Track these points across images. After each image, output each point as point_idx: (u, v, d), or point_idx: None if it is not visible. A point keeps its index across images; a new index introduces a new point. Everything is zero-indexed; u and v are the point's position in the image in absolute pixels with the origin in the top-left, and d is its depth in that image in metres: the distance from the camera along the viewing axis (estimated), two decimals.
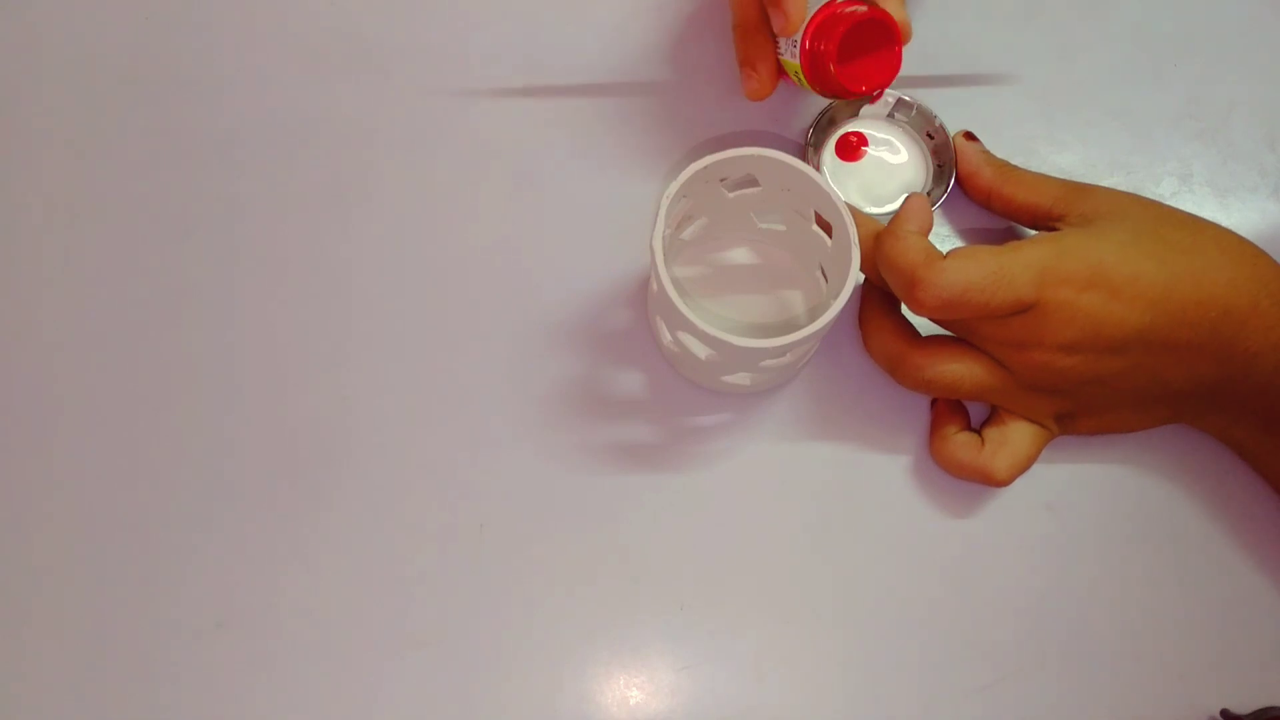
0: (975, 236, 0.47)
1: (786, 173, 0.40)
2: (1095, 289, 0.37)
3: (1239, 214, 0.48)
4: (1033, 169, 0.48)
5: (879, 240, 0.40)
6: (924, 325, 0.42)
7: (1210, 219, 0.41)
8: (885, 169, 0.47)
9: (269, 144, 0.48)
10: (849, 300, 0.38)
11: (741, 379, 0.43)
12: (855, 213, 0.40)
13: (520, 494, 0.43)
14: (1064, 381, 0.39)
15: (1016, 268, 0.37)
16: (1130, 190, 0.47)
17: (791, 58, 0.42)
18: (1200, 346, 0.38)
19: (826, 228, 0.41)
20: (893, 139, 0.48)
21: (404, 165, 0.48)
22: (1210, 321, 0.38)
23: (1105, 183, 0.48)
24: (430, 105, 0.49)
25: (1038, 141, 0.48)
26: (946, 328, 0.42)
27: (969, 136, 0.46)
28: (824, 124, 0.47)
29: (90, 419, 0.44)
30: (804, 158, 0.46)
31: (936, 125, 0.47)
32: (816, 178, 0.40)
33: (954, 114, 0.47)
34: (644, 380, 0.45)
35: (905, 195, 0.45)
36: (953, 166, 0.46)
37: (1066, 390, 0.40)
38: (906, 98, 0.47)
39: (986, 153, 0.45)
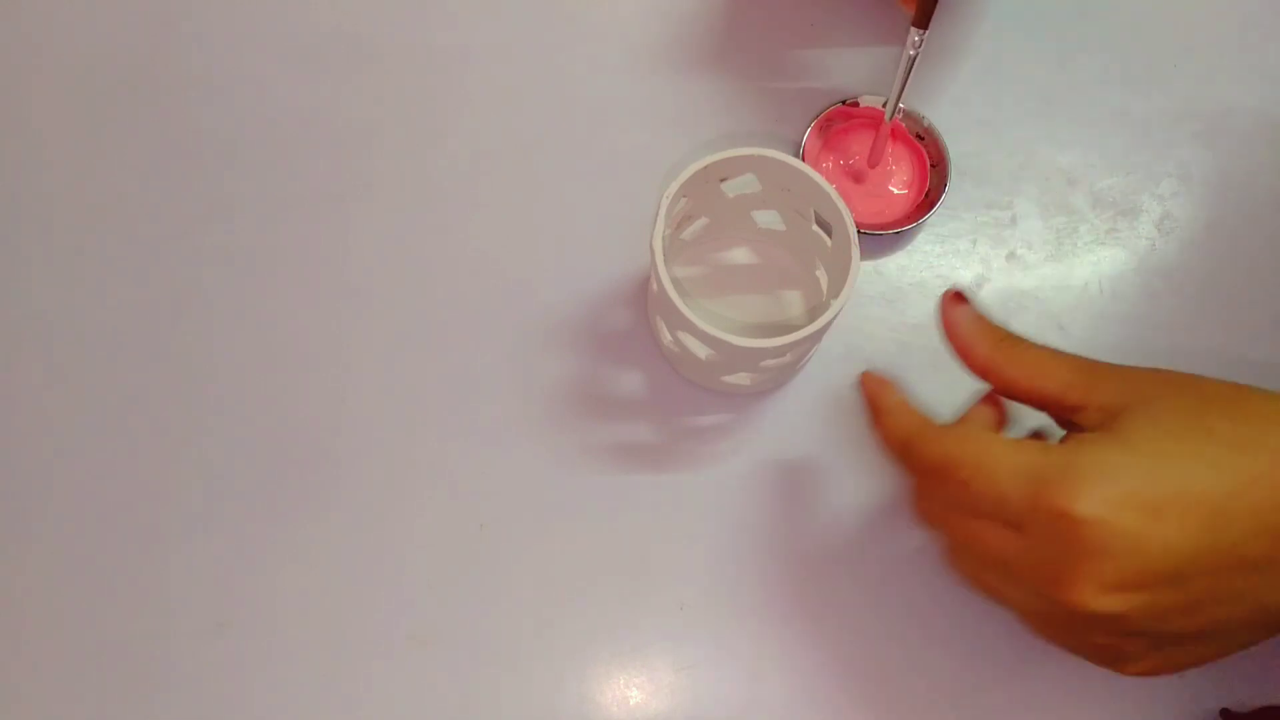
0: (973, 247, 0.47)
1: (786, 173, 0.40)
2: (1128, 509, 0.30)
3: (1239, 215, 0.48)
4: (1032, 169, 0.48)
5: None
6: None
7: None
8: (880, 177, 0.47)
9: (268, 144, 0.48)
10: (848, 299, 0.38)
11: (741, 379, 0.43)
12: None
13: (520, 494, 0.43)
14: (1116, 628, 0.31)
15: (1001, 461, 0.32)
16: (1131, 191, 0.48)
17: None
18: None
19: (826, 228, 0.41)
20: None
21: (403, 166, 0.48)
22: None
23: (1104, 183, 0.48)
24: (429, 105, 0.49)
25: (1038, 142, 0.48)
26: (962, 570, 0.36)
27: (958, 298, 0.37)
28: (823, 124, 0.47)
29: (89, 419, 0.44)
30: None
31: (925, 126, 0.47)
32: (816, 177, 0.40)
33: (955, 116, 0.47)
34: (644, 380, 0.45)
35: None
36: (947, 167, 0.46)
37: (1125, 635, 0.32)
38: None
39: (981, 319, 0.37)
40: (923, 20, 0.41)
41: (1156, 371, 0.34)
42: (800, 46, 0.49)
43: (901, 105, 0.47)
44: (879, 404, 0.38)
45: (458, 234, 0.47)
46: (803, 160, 0.45)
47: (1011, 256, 0.47)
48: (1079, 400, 0.34)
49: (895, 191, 0.47)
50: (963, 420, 0.37)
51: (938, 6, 0.41)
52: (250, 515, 0.43)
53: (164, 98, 0.49)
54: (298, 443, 0.44)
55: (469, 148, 0.48)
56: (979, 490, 0.32)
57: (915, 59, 0.42)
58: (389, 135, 0.48)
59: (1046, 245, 0.47)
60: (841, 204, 0.39)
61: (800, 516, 0.43)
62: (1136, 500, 0.30)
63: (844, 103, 0.47)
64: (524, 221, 0.47)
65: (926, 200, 0.46)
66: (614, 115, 0.49)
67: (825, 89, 0.48)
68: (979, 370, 0.36)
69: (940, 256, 0.47)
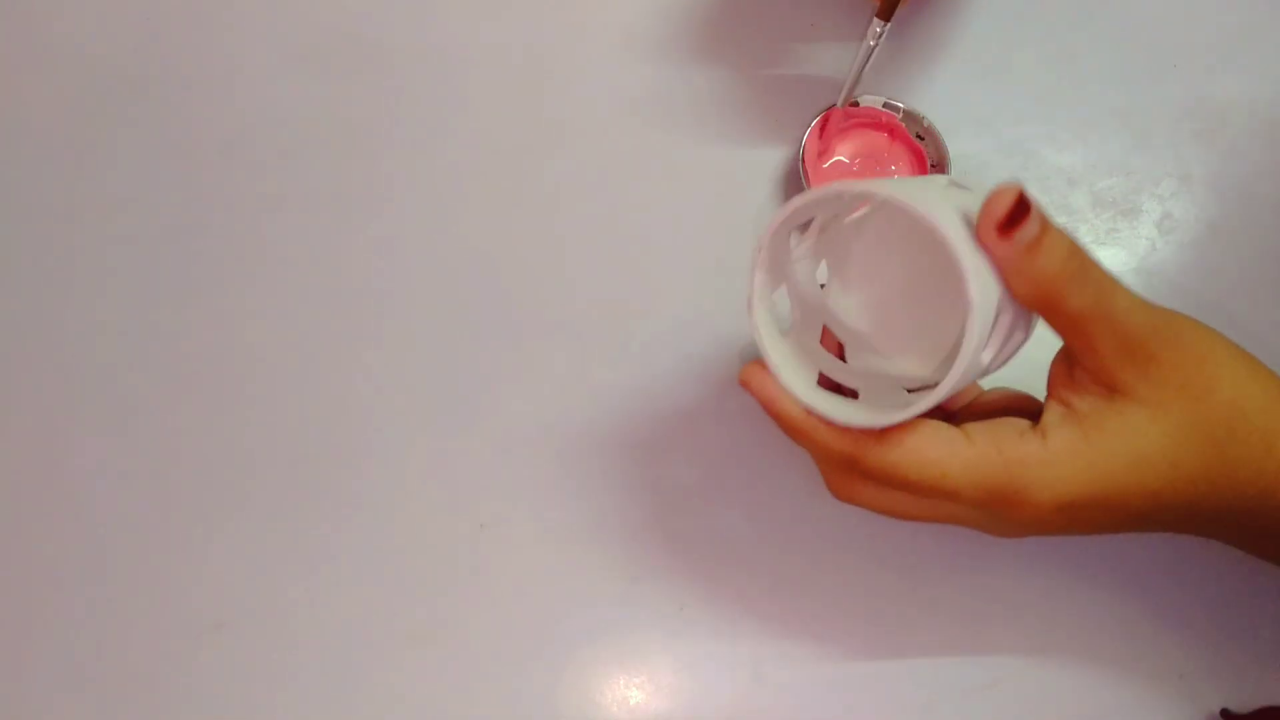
0: None
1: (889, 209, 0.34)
2: (1070, 510, 0.32)
3: (1239, 215, 0.47)
4: (1032, 169, 0.48)
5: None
6: None
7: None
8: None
9: (273, 145, 0.48)
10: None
11: None
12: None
13: (520, 494, 0.43)
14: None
15: (957, 475, 0.31)
16: (1131, 191, 0.48)
17: None
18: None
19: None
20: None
21: (405, 167, 0.48)
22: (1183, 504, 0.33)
23: (1104, 183, 0.48)
24: (431, 106, 0.49)
25: (1038, 141, 0.48)
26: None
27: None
28: (823, 124, 0.47)
29: (91, 419, 0.44)
30: (799, 170, 0.46)
31: (925, 125, 0.47)
32: (908, 204, 0.29)
33: (955, 116, 0.47)
34: (644, 380, 0.45)
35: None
36: (947, 167, 0.46)
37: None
38: (893, 101, 0.47)
39: (1046, 221, 0.30)
40: (886, 13, 0.42)
41: (1185, 385, 0.32)
42: (800, 47, 0.49)
43: (902, 104, 0.47)
44: (792, 410, 0.33)
45: (456, 234, 0.47)
46: (802, 161, 0.46)
47: None
48: (1125, 376, 0.31)
49: None
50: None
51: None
52: (250, 514, 0.43)
53: (164, 98, 0.49)
54: (298, 442, 0.44)
55: (469, 147, 0.48)
56: (936, 494, 0.32)
57: (875, 50, 0.43)
58: (390, 137, 0.48)
59: None
60: (965, 258, 0.29)
61: (800, 516, 0.43)
62: (1077, 506, 0.32)
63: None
64: (523, 222, 0.47)
65: None
66: (613, 117, 0.48)
67: (825, 89, 0.48)
68: (1036, 283, 0.30)
69: None
